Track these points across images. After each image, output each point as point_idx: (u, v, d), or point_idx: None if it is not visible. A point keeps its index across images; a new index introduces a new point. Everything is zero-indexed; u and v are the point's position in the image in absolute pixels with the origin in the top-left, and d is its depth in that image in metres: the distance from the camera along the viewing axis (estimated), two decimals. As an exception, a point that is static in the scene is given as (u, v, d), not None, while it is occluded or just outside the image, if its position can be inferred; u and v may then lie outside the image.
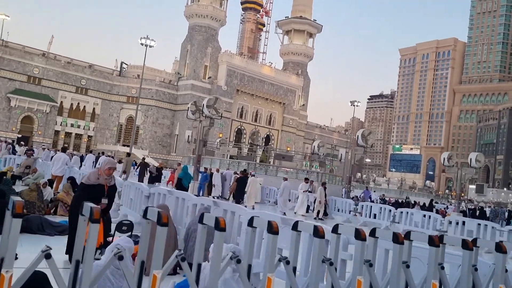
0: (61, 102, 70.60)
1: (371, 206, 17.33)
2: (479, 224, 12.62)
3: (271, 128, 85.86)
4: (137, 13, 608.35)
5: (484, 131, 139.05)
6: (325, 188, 18.64)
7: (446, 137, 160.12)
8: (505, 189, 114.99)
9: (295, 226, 3.20)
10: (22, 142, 39.24)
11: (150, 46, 56.07)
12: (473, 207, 36.11)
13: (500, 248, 3.36)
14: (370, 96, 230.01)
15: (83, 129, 73.78)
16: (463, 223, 13.22)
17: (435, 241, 3.18)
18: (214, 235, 2.80)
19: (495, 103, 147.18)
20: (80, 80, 72.25)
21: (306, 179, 20.35)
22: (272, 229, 2.91)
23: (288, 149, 79.82)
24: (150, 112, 75.46)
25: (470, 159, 24.13)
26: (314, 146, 27.96)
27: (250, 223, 3.12)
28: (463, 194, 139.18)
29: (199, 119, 17.38)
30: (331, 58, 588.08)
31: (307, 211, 19.09)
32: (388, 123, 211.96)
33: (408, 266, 3.15)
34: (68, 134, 72.34)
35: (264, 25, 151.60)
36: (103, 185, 5.72)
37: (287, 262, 2.99)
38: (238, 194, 19.06)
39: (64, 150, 16.29)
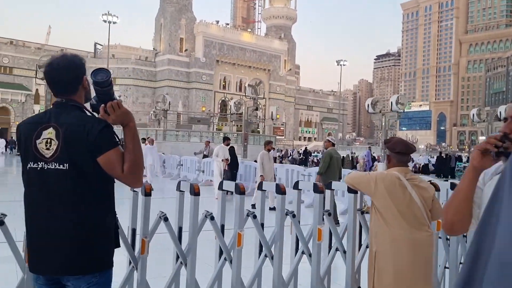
0: (37, 89, 69.45)
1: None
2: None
3: (257, 97, 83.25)
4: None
5: (493, 80, 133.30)
6: (269, 150, 11.07)
7: (455, 90, 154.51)
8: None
9: (260, 187, 3.62)
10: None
11: (114, 23, 54.73)
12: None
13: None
14: (376, 56, 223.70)
15: (63, 115, 72.82)
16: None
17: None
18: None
19: (504, 50, 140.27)
20: (54, 65, 70.85)
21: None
22: (239, 190, 3.21)
23: (278, 117, 77.35)
24: (129, 91, 73.68)
25: (391, 103, 21.83)
26: (231, 106, 25.68)
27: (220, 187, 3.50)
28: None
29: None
30: (325, 20, 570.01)
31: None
32: (397, 82, 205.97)
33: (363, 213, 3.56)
34: (48, 122, 71.50)
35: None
36: None
37: (254, 216, 3.38)
38: None
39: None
